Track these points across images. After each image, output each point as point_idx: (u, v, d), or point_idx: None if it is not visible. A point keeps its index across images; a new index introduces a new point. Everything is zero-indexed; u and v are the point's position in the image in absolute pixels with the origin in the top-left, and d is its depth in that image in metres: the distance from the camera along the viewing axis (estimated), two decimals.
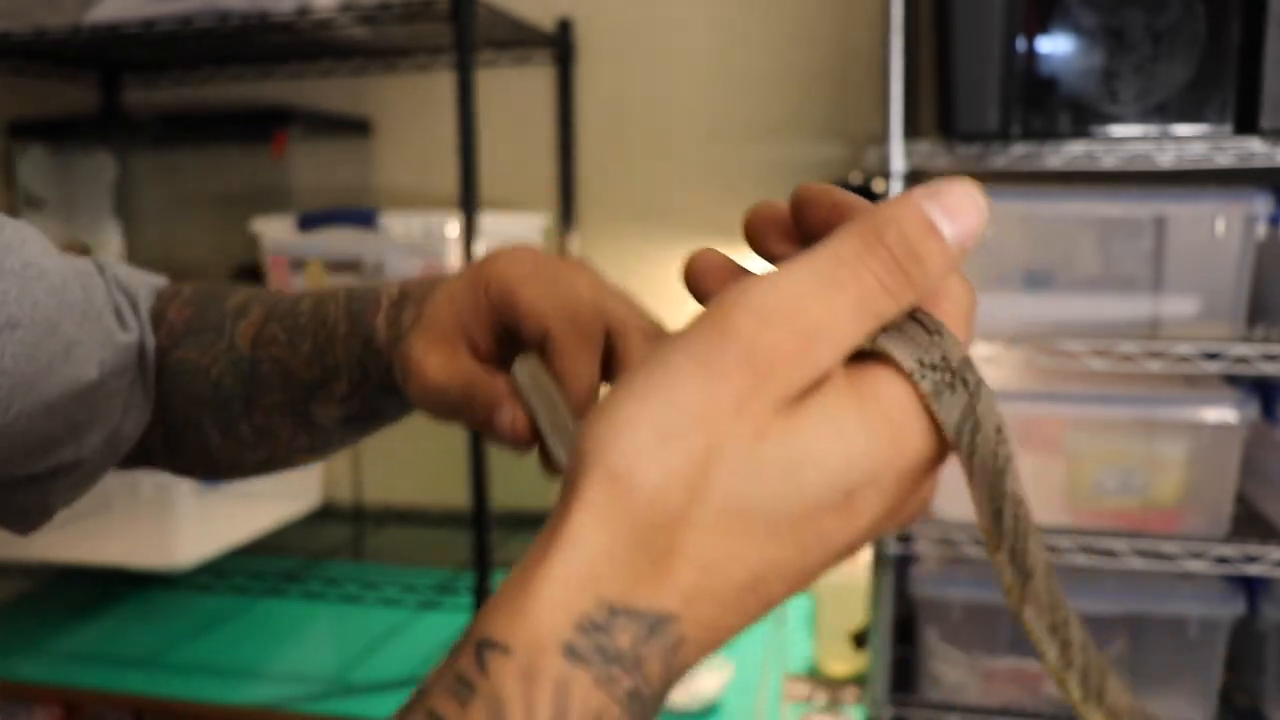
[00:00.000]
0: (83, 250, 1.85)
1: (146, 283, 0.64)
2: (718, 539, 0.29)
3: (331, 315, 0.58)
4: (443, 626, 1.65)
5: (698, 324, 0.30)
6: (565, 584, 0.29)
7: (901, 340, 0.32)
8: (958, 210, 0.30)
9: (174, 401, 0.62)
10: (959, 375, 0.31)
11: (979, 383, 0.32)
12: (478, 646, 0.29)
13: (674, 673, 0.30)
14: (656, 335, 0.49)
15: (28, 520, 0.60)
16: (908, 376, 0.31)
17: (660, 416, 0.29)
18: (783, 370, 0.29)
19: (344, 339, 0.57)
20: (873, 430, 0.30)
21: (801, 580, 0.31)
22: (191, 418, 0.61)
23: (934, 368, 0.31)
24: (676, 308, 1.72)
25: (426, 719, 0.28)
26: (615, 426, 0.29)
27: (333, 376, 0.57)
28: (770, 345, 0.29)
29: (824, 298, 0.29)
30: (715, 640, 0.31)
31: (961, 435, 0.32)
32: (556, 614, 0.28)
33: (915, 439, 0.31)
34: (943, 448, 0.32)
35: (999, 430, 0.32)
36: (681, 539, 0.29)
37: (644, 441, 0.29)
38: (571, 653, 0.28)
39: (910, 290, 0.30)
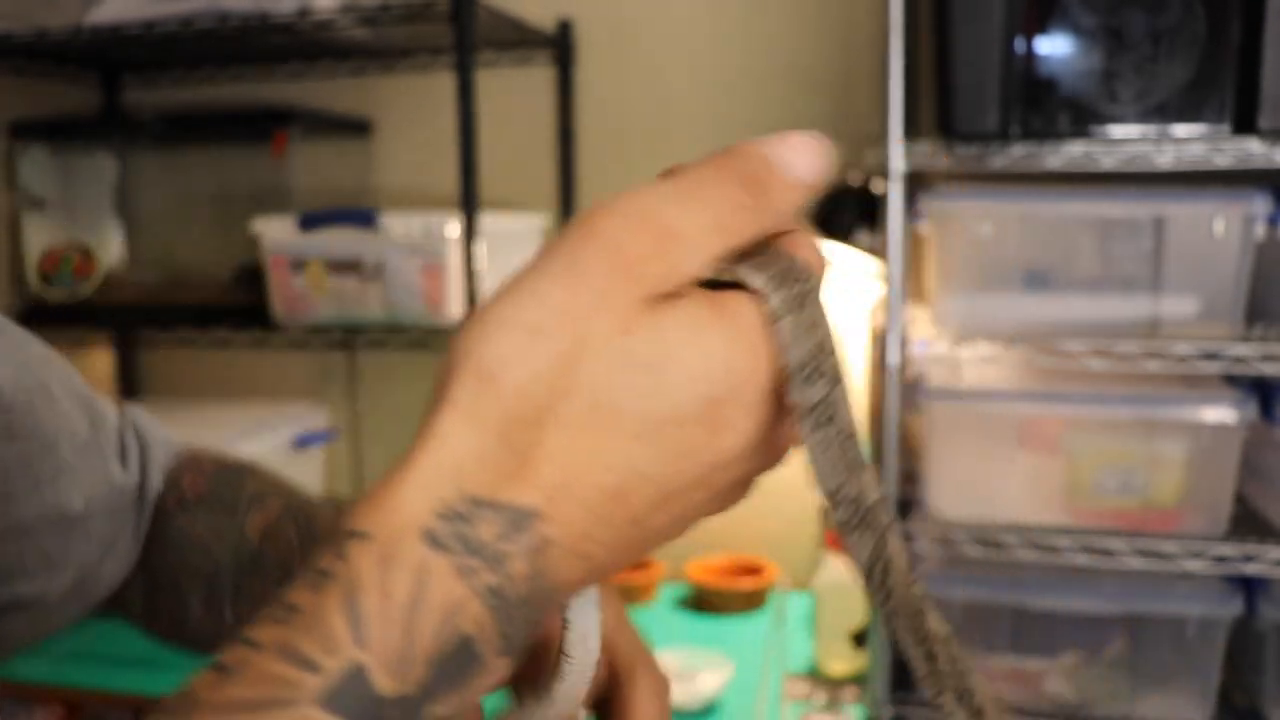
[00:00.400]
0: (84, 251, 1.85)
1: (168, 440, 0.63)
2: (581, 435, 0.29)
3: None
4: None
5: (566, 230, 0.31)
6: (428, 476, 0.29)
7: (813, 429, 0.33)
8: (801, 151, 0.33)
9: (166, 566, 0.60)
10: (872, 514, 0.33)
11: (891, 524, 0.33)
12: (338, 540, 0.29)
13: (542, 580, 0.29)
14: (664, 685, 0.47)
15: None
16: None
17: (527, 314, 0.30)
18: (643, 267, 0.30)
19: None
20: (731, 339, 0.31)
21: (671, 501, 0.31)
22: (179, 586, 0.60)
23: (849, 501, 0.33)
24: None
25: (285, 612, 0.28)
26: (485, 327, 0.30)
27: None
28: (632, 243, 0.30)
29: (683, 207, 0.31)
30: (586, 553, 0.30)
31: (873, 577, 0.33)
32: (418, 502, 0.29)
33: (771, 359, 0.32)
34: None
35: (908, 569, 0.33)
36: (546, 434, 0.29)
37: (512, 338, 0.29)
38: (431, 539, 0.28)
39: (761, 213, 0.32)
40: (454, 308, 1.57)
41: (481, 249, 1.51)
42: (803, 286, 0.32)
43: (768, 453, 0.34)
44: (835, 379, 0.33)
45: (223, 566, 0.58)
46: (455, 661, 0.28)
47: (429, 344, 1.62)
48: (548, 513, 0.29)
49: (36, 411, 0.52)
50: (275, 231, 1.64)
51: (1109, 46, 1.26)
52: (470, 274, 1.51)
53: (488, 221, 1.54)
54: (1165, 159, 1.24)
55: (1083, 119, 1.28)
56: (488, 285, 1.54)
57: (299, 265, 1.63)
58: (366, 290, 1.61)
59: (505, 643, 0.29)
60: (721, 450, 0.31)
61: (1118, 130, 1.27)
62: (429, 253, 1.57)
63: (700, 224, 0.31)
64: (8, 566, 0.53)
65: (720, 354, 0.31)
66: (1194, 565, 1.27)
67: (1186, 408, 1.28)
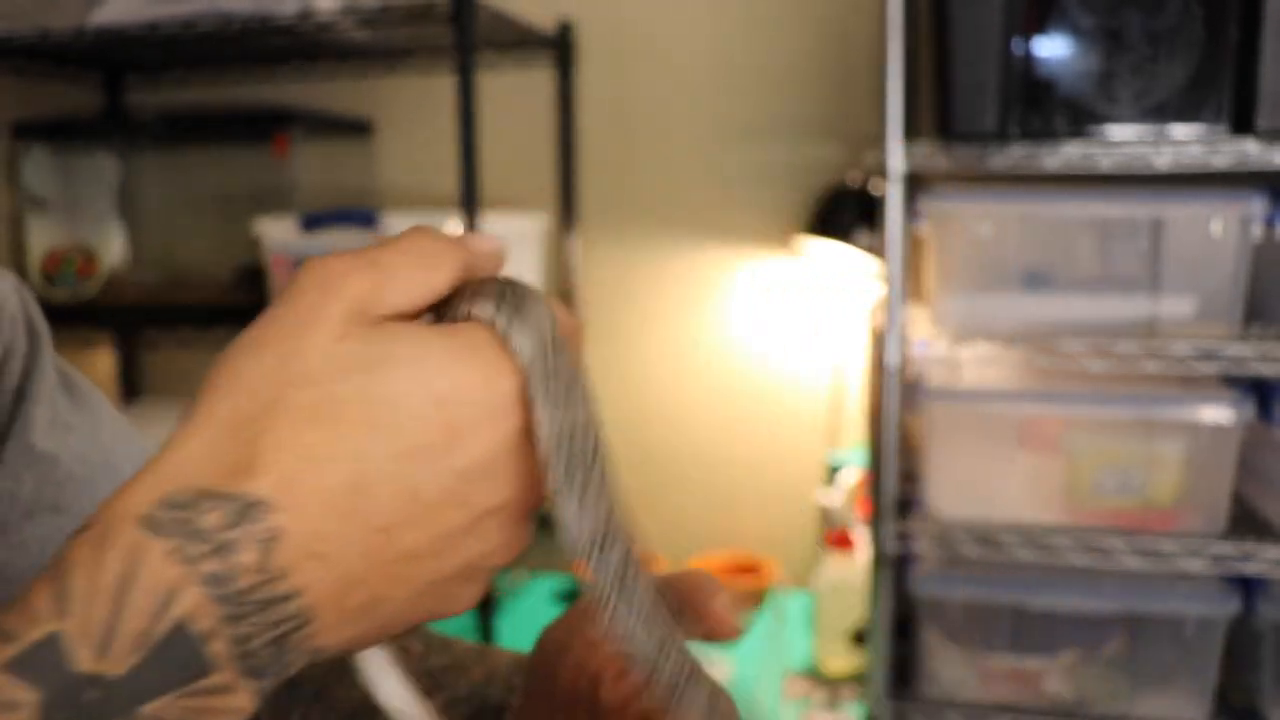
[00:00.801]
0: (86, 252, 1.85)
1: None
2: (309, 427, 0.30)
3: (491, 655, 0.53)
4: (442, 624, 1.65)
5: None
6: (156, 474, 0.29)
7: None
8: (480, 234, 0.37)
9: None
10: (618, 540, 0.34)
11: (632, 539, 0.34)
12: (68, 540, 0.29)
13: (277, 580, 0.29)
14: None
15: None
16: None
17: (253, 333, 0.32)
18: (352, 286, 0.32)
19: (475, 669, 0.51)
20: (454, 347, 0.32)
21: (424, 517, 0.31)
22: None
23: (599, 540, 0.33)
24: (676, 307, 1.72)
25: (12, 607, 0.28)
26: (223, 354, 0.32)
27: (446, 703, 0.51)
28: (340, 268, 0.33)
29: (387, 245, 0.34)
30: (324, 554, 0.30)
31: (620, 584, 0.34)
32: (142, 495, 0.29)
33: (504, 366, 0.33)
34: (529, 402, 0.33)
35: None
36: (274, 427, 0.30)
37: (240, 354, 0.32)
38: (149, 523, 0.28)
39: (458, 252, 0.35)
40: None
41: None
42: (560, 360, 0.33)
43: (531, 480, 0.33)
44: (595, 457, 0.33)
45: (304, 674, 0.53)
46: (172, 652, 0.27)
47: None
48: (278, 502, 0.29)
49: (95, 491, 0.49)
50: (277, 232, 1.65)
51: (1107, 47, 1.27)
52: None
53: (488, 222, 1.54)
54: (1163, 160, 1.24)
55: (1081, 120, 1.28)
56: None
57: (300, 265, 1.63)
58: None
59: (242, 653, 0.28)
60: (465, 456, 0.32)
61: (1116, 131, 1.28)
62: None
63: (402, 255, 0.34)
64: None
65: (439, 355, 0.32)
66: (1192, 565, 1.27)
67: (1185, 408, 1.29)
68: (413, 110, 1.89)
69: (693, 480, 1.84)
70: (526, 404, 0.33)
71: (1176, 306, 1.32)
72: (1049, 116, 1.29)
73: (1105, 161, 1.26)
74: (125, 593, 0.27)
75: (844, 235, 1.61)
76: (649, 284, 1.83)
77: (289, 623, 0.29)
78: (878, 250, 1.35)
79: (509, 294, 0.34)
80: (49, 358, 0.50)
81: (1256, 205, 1.26)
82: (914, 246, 1.47)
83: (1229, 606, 1.31)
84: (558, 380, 0.33)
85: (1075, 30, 1.28)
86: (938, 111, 1.37)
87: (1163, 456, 1.31)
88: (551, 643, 0.46)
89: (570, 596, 1.74)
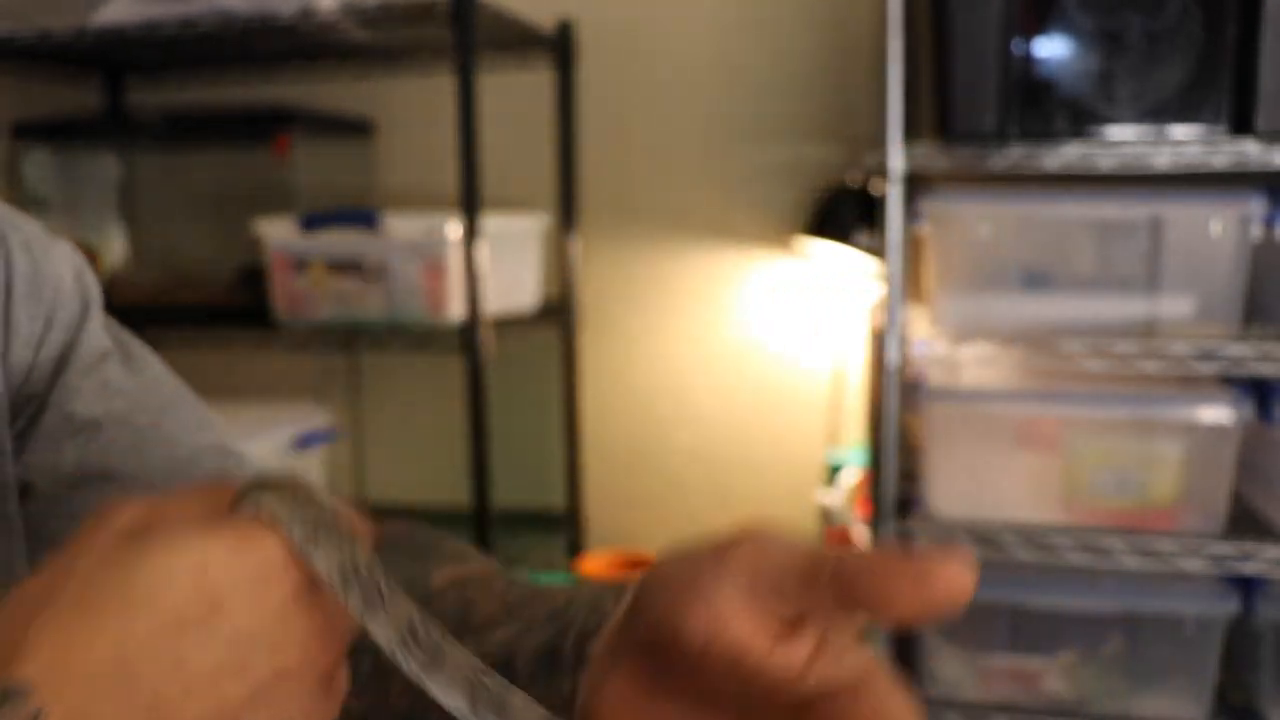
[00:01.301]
0: (87, 251, 1.85)
1: None
2: (72, 616, 0.31)
3: (550, 594, 0.47)
4: None
5: None
6: None
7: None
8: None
9: None
10: (443, 651, 0.35)
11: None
12: None
13: None
14: None
15: None
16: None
17: (45, 560, 0.34)
18: (126, 509, 0.34)
19: (543, 623, 0.45)
20: (209, 529, 0.33)
21: (200, 687, 0.31)
22: None
23: (352, 572, 0.34)
24: (675, 308, 1.71)
25: None
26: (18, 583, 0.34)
27: (503, 659, 0.45)
28: (119, 503, 0.35)
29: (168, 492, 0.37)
30: None
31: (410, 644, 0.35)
32: None
33: (261, 536, 0.34)
34: (299, 564, 0.34)
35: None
36: (39, 617, 0.31)
37: (29, 577, 0.33)
38: None
39: (219, 492, 0.37)
40: (455, 308, 1.58)
41: (483, 249, 1.52)
42: (322, 515, 0.35)
43: (318, 643, 0.34)
44: (379, 578, 0.34)
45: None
46: None
47: (430, 345, 1.63)
48: (40, 684, 0.30)
49: (143, 454, 0.49)
50: (277, 232, 1.65)
51: (1106, 48, 1.27)
52: (471, 274, 1.51)
53: (489, 222, 1.54)
54: (1162, 160, 1.25)
55: (1080, 120, 1.28)
56: (489, 285, 1.55)
57: (301, 266, 1.64)
58: (368, 291, 1.62)
59: None
60: (232, 623, 0.32)
61: (1115, 131, 1.28)
62: (430, 253, 1.57)
63: (191, 496, 0.36)
64: None
65: (196, 537, 0.33)
66: (1191, 564, 1.27)
67: (1183, 408, 1.29)
68: (413, 110, 1.89)
69: (693, 480, 1.84)
70: (297, 568, 0.34)
71: (1175, 306, 1.32)
72: (1048, 117, 1.29)
73: (1105, 162, 1.26)
74: None
75: (844, 235, 1.61)
76: (648, 284, 1.83)
77: None
78: (878, 250, 1.35)
79: (264, 480, 0.36)
80: (98, 327, 0.51)
81: (1255, 205, 1.26)
82: (914, 246, 1.47)
83: (1228, 606, 1.31)
84: (321, 529, 0.34)
85: (1074, 31, 1.28)
86: (938, 112, 1.37)
87: (1162, 456, 1.31)
88: (661, 591, 0.38)
89: None
